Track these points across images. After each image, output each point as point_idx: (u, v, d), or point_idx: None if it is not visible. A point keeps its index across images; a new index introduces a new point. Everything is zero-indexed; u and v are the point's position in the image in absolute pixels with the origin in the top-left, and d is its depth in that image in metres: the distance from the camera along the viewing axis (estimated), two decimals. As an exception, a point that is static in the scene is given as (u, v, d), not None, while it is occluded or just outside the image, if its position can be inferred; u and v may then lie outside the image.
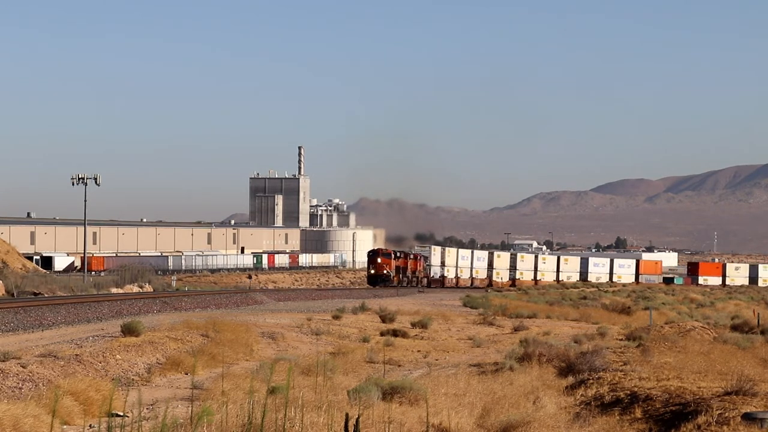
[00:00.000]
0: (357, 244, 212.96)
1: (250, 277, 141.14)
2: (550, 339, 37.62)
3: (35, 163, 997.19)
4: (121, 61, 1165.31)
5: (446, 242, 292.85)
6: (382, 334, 41.50)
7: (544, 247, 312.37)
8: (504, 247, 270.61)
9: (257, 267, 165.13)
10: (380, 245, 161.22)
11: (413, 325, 46.32)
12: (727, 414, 19.01)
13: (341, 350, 32.49)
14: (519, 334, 43.58)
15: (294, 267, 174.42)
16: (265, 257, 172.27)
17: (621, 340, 38.84)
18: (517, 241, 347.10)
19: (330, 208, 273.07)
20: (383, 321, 48.10)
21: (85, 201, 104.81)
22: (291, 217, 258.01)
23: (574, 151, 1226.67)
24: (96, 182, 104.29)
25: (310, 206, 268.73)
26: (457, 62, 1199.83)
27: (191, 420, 13.96)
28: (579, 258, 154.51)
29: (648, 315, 53.33)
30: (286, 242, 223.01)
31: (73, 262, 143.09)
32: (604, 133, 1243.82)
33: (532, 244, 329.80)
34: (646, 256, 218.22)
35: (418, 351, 36.20)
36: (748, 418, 18.33)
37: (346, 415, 13.04)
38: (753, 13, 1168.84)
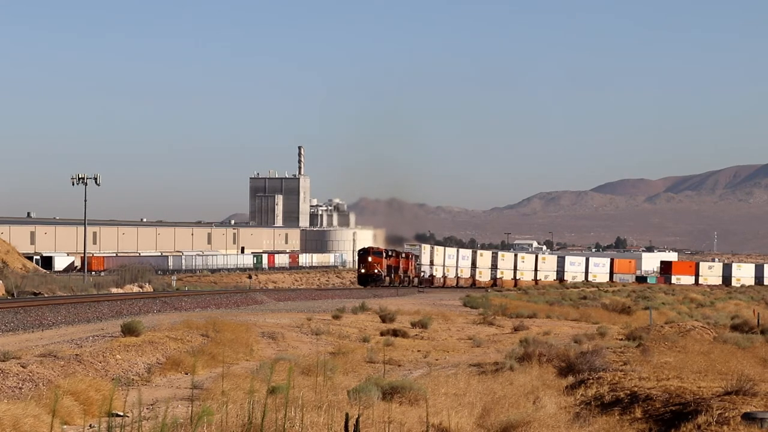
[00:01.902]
0: (357, 243, 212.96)
1: (250, 277, 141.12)
2: (550, 339, 37.64)
3: (35, 163, 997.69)
4: (121, 61, 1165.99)
5: (446, 242, 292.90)
6: (382, 334, 41.51)
7: (545, 247, 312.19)
8: (504, 247, 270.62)
9: (257, 267, 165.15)
10: (380, 245, 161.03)
11: (413, 325, 46.32)
12: (727, 414, 19.02)
13: (341, 350, 32.49)
14: (519, 334, 43.58)
15: (294, 267, 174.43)
16: (265, 257, 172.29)
17: (621, 340, 38.84)
18: (517, 241, 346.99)
19: (330, 207, 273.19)
20: (383, 321, 48.09)
21: (85, 201, 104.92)
22: (291, 217, 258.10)
23: (574, 151, 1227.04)
24: (96, 182, 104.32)
25: (311, 206, 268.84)
26: (457, 62, 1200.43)
27: (191, 420, 13.96)
28: (556, 257, 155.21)
29: (648, 315, 53.33)
30: (286, 242, 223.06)
31: (73, 262, 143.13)
32: (604, 133, 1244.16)
33: (532, 244, 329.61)
34: (645, 256, 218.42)
35: (418, 351, 36.20)
36: (748, 418, 18.33)
37: (346, 415, 13.05)
38: (752, 13, 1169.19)
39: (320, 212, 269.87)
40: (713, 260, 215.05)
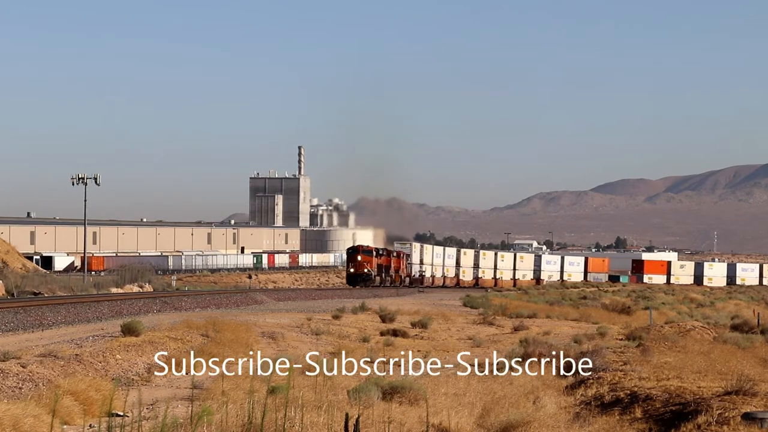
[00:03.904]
0: (357, 243, 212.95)
1: (250, 277, 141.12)
2: (550, 339, 37.64)
3: (35, 163, 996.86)
4: (121, 61, 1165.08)
5: (446, 242, 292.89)
6: (382, 334, 41.51)
7: (544, 247, 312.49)
8: (504, 247, 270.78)
9: (257, 267, 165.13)
10: (380, 245, 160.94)
11: (413, 324, 46.32)
12: (727, 414, 19.02)
13: (341, 350, 32.48)
14: (519, 333, 43.57)
15: (294, 267, 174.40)
16: (265, 257, 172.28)
17: (621, 339, 38.84)
18: (517, 241, 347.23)
19: (330, 207, 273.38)
20: (383, 321, 48.10)
21: (85, 201, 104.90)
22: (291, 217, 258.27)
23: (574, 151, 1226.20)
24: (96, 182, 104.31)
25: (311, 206, 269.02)
26: (457, 61, 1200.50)
27: (191, 420, 13.97)
28: (533, 256, 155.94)
29: (648, 315, 53.34)
30: (286, 242, 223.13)
31: (73, 262, 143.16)
32: (604, 133, 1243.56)
33: (532, 244, 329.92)
34: (645, 256, 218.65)
35: (418, 351, 36.18)
36: (748, 418, 18.34)
37: (346, 414, 13.05)
38: (752, 13, 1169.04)
39: (320, 212, 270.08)
40: (713, 260, 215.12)
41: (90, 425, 18.62)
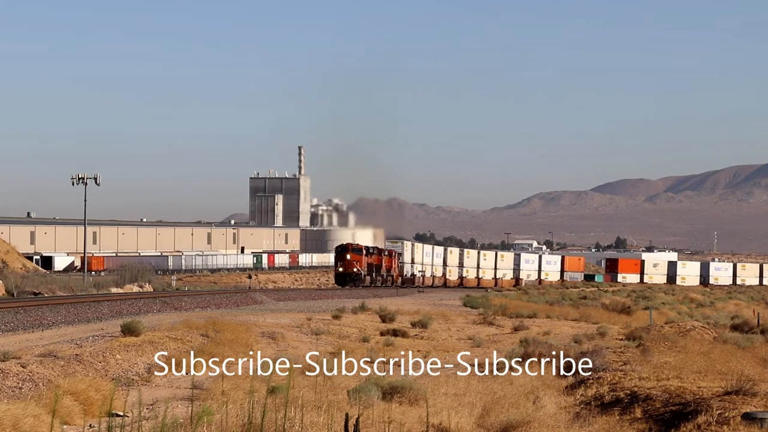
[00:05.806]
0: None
1: (250, 276, 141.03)
2: (550, 339, 37.63)
3: (35, 163, 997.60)
4: (121, 60, 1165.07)
5: (446, 242, 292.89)
6: (382, 334, 41.50)
7: (544, 247, 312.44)
8: (504, 247, 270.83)
9: (257, 267, 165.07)
10: (380, 245, 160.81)
11: (413, 324, 46.31)
12: (727, 414, 19.02)
13: (341, 350, 32.47)
14: (519, 333, 43.56)
15: (294, 267, 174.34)
16: (265, 257, 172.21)
17: (621, 339, 38.83)
18: (517, 241, 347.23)
19: (330, 207, 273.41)
20: (383, 321, 48.09)
21: (85, 201, 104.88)
22: (291, 217, 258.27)
23: (574, 151, 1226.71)
24: (96, 182, 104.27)
25: (311, 206, 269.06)
26: (457, 60, 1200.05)
27: (191, 420, 13.97)
28: (513, 255, 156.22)
29: (648, 315, 53.33)
30: (286, 242, 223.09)
31: (73, 262, 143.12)
32: (604, 133, 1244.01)
33: (532, 244, 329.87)
34: (645, 256, 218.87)
35: (418, 351, 36.17)
36: (748, 418, 18.34)
37: (346, 415, 13.06)
38: (752, 13, 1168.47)
39: (320, 212, 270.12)
40: (713, 260, 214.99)
41: (90, 425, 18.61)
